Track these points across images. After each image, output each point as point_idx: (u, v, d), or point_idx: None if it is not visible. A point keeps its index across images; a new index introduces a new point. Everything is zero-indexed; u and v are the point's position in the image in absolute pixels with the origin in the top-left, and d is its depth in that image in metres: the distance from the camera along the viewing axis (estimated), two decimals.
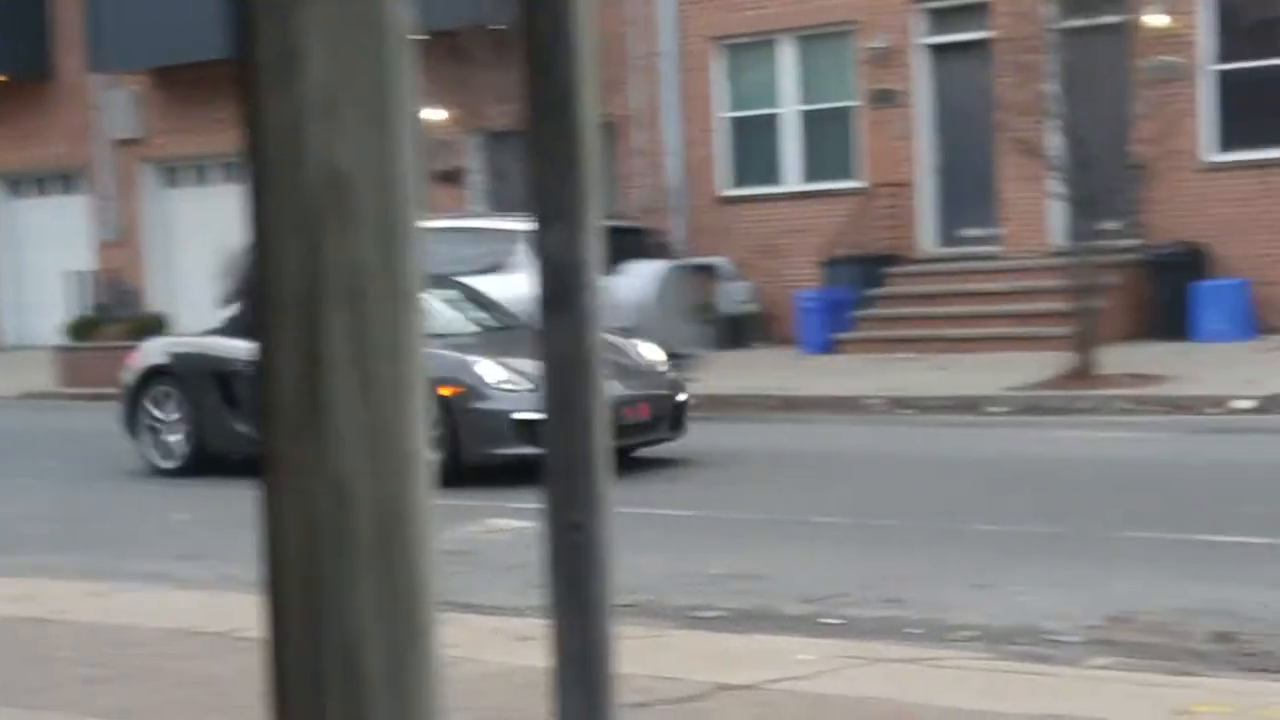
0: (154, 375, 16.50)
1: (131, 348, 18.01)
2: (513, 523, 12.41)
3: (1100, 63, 21.22)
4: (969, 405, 19.24)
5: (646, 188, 26.65)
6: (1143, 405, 18.32)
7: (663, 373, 16.22)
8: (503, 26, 20.80)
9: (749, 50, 26.11)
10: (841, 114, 25.30)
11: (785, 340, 24.94)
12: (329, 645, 1.73)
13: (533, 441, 13.57)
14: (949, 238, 24.67)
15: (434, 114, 24.69)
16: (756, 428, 18.79)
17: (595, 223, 2.49)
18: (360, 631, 1.74)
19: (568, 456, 2.53)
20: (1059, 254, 22.22)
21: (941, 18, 24.58)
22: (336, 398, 1.75)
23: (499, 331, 16.44)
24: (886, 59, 24.60)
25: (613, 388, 13.75)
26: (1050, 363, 19.81)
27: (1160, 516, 11.53)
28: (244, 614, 8.42)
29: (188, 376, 16.22)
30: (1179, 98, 22.06)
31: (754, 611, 9.80)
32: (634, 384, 15.34)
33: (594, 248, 2.50)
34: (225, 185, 32.35)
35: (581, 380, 2.54)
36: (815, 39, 25.56)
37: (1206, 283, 21.38)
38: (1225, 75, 22.06)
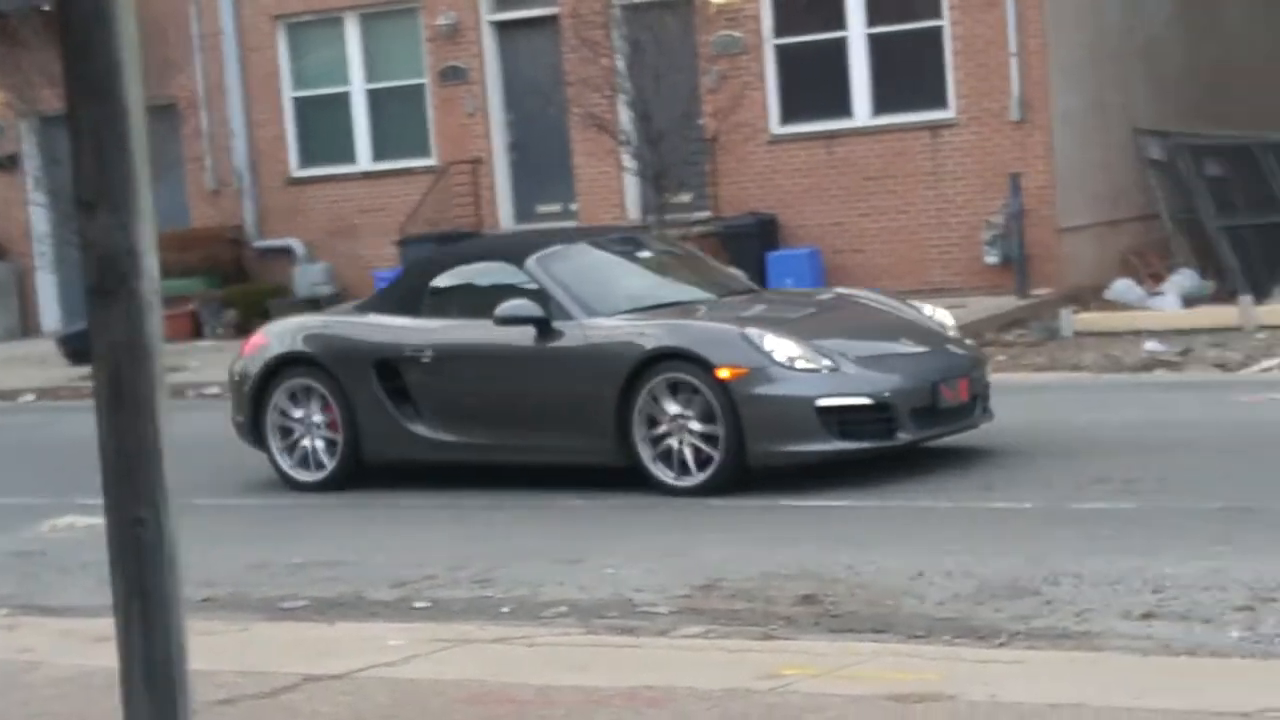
0: (286, 365, 12.95)
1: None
2: (85, 519, 11.92)
3: (666, 38, 21.51)
4: None
5: (212, 170, 26.05)
6: None
7: (963, 339, 13.20)
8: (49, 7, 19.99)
9: (313, 28, 25.74)
10: (411, 92, 25.13)
11: None
12: None
13: (842, 435, 11.45)
14: (526, 214, 24.72)
15: None
16: None
17: (147, 208, 2.37)
18: None
19: (126, 449, 2.35)
20: (633, 227, 22.47)
21: None
22: None
23: (739, 296, 13.19)
24: (454, 36, 24.50)
25: (924, 360, 12.19)
26: None
27: (743, 482, 11.68)
28: None
29: (337, 366, 12.72)
30: (744, 72, 22.49)
31: (341, 599, 9.61)
32: (940, 355, 12.30)
33: (147, 234, 2.38)
34: None
35: (138, 369, 2.37)
36: (380, 16, 25.34)
37: (778, 252, 21.86)
38: (785, 49, 22.58)
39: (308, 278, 25.34)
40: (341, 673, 7.58)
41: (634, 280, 13.13)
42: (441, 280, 13.10)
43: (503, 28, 24.65)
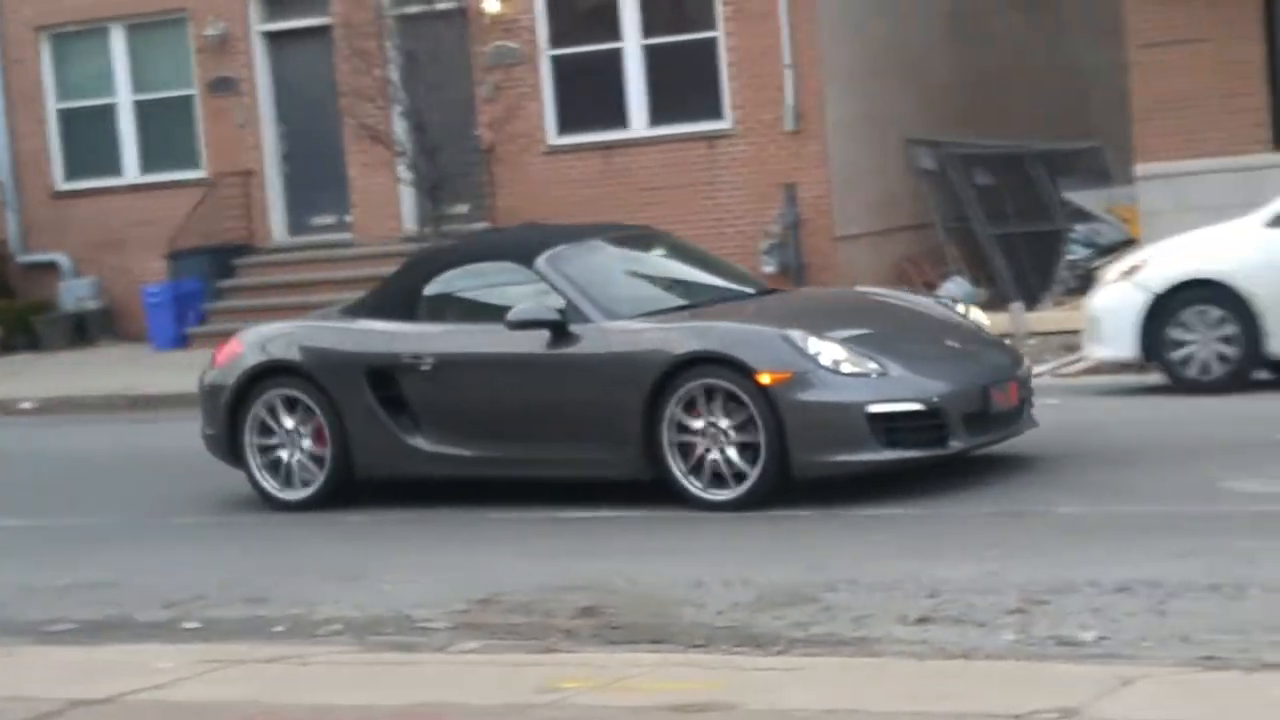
0: (267, 375, 12.01)
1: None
2: None
3: (441, 48, 21.38)
4: None
5: None
6: None
7: (1001, 340, 12.47)
8: None
9: (78, 39, 25.21)
10: (180, 103, 24.69)
11: (135, 337, 24.19)
12: None
13: (890, 443, 10.71)
14: (300, 226, 24.41)
15: None
16: (105, 429, 18.10)
17: None
18: None
19: None
20: (409, 240, 22.32)
21: (278, 5, 24.27)
22: None
23: (761, 297, 12.40)
24: (223, 46, 24.12)
25: (971, 362, 11.39)
26: None
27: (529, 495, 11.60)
28: None
29: (325, 375, 11.79)
30: (520, 82, 22.42)
31: (109, 621, 9.36)
32: (987, 357, 11.59)
33: None
34: None
35: None
36: (147, 26, 24.87)
37: None
38: (561, 60, 22.54)
39: (74, 292, 24.84)
40: (108, 696, 7.37)
41: (650, 280, 12.38)
42: (439, 282, 12.13)
43: (274, 38, 24.34)
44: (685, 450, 10.79)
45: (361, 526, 11.58)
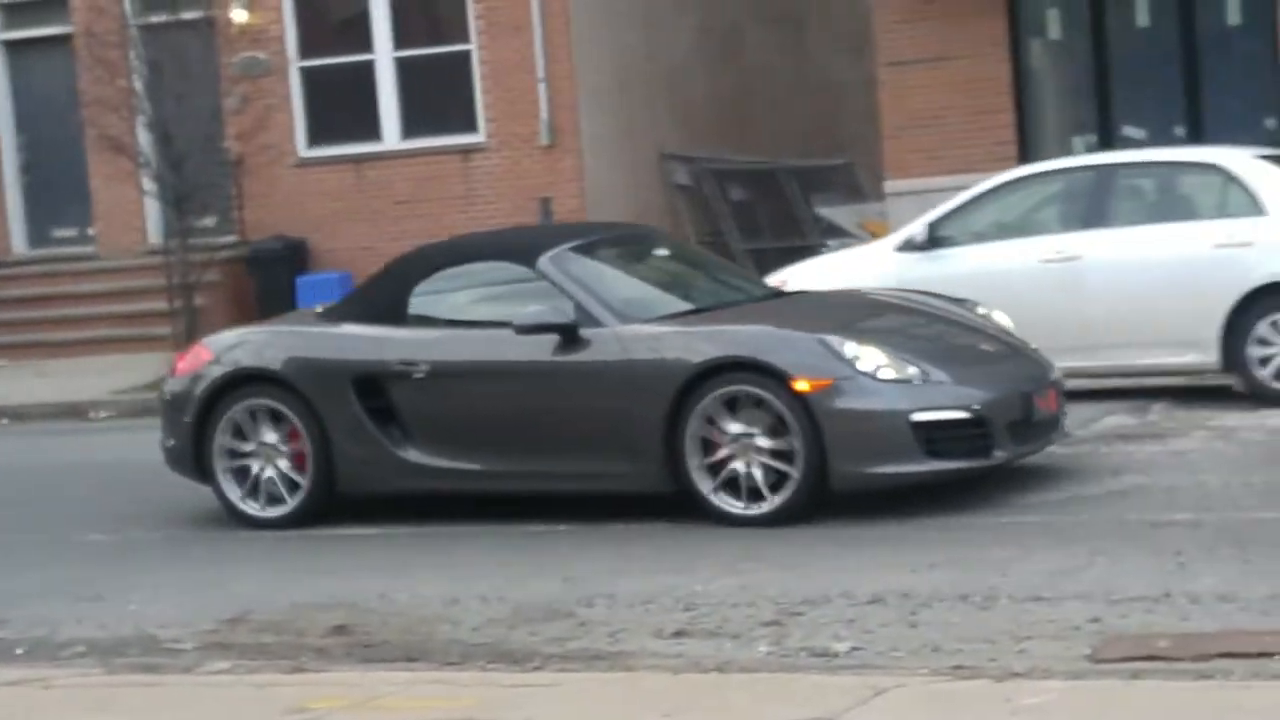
0: (239, 384, 11.20)
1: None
2: None
3: (187, 58, 21.00)
4: (74, 411, 18.61)
5: None
6: None
7: (1029, 345, 11.49)
8: None
9: None
10: None
11: None
12: None
13: (937, 454, 10.09)
14: (40, 239, 23.84)
15: None
16: None
17: None
18: None
19: None
20: (155, 252, 21.92)
21: (16, 13, 23.73)
22: None
23: (776, 300, 11.77)
24: None
25: (1009, 367, 10.81)
26: (156, 363, 19.40)
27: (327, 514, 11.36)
28: None
29: (305, 384, 11.00)
30: (270, 94, 22.12)
31: None
32: (1022, 361, 11.04)
33: None
34: None
35: None
36: None
37: (308, 276, 21.53)
38: (312, 71, 22.28)
39: None
40: None
41: (658, 282, 11.71)
42: (429, 284, 11.34)
43: (13, 46, 23.78)
44: (713, 462, 10.17)
45: (107, 545, 11.29)
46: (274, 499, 11.14)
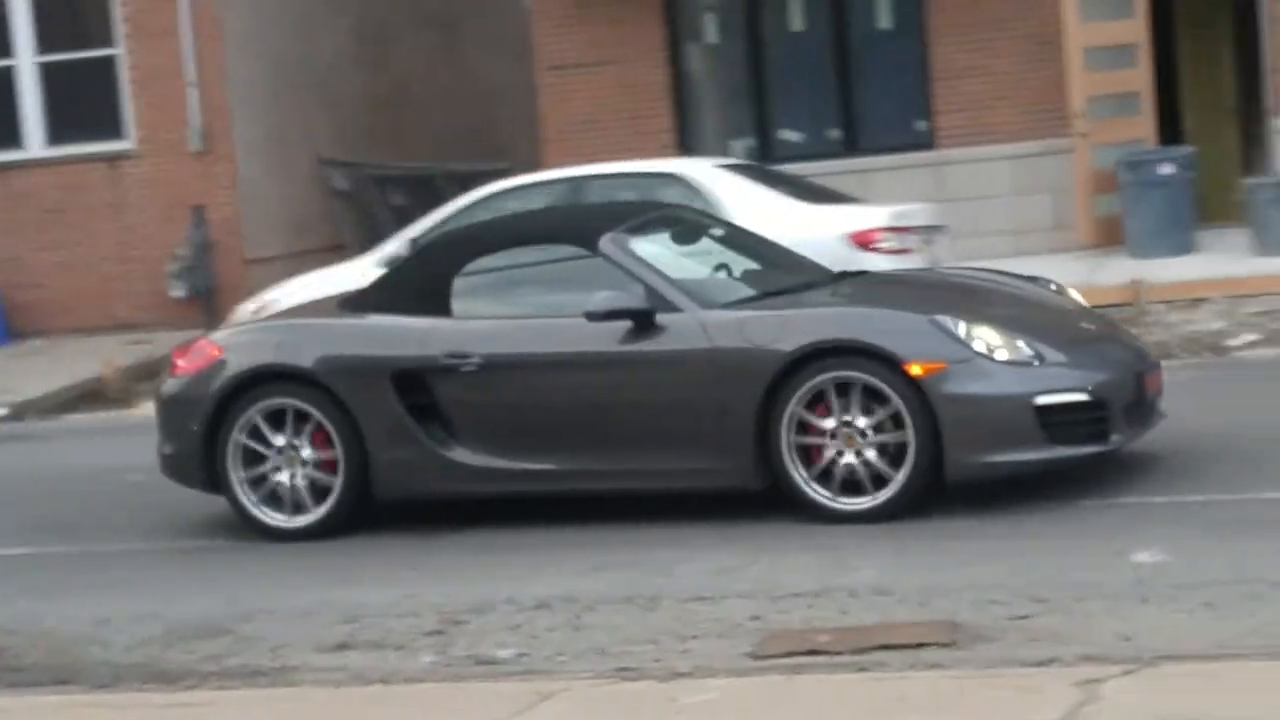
0: (257, 382, 10.18)
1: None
2: None
3: None
4: None
5: None
6: None
7: (1119, 324, 10.92)
8: None
9: None
10: None
11: None
12: None
13: (1060, 439, 9.36)
14: None
15: None
16: None
17: None
18: None
19: None
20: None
21: None
22: None
23: (852, 280, 10.81)
24: None
25: (1115, 347, 10.05)
26: None
27: None
28: None
29: (338, 381, 10.01)
30: None
31: None
32: (1123, 341, 10.37)
33: None
34: None
35: None
36: None
37: None
38: None
39: None
40: None
41: (723, 265, 10.72)
42: (473, 270, 10.41)
43: None
44: (807, 454, 9.42)
45: None
46: (305, 507, 10.18)
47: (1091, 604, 7.67)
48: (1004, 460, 9.30)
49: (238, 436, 10.13)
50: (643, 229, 10.47)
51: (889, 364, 9.27)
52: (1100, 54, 18.30)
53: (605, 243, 10.06)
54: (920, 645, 7.22)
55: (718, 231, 11.21)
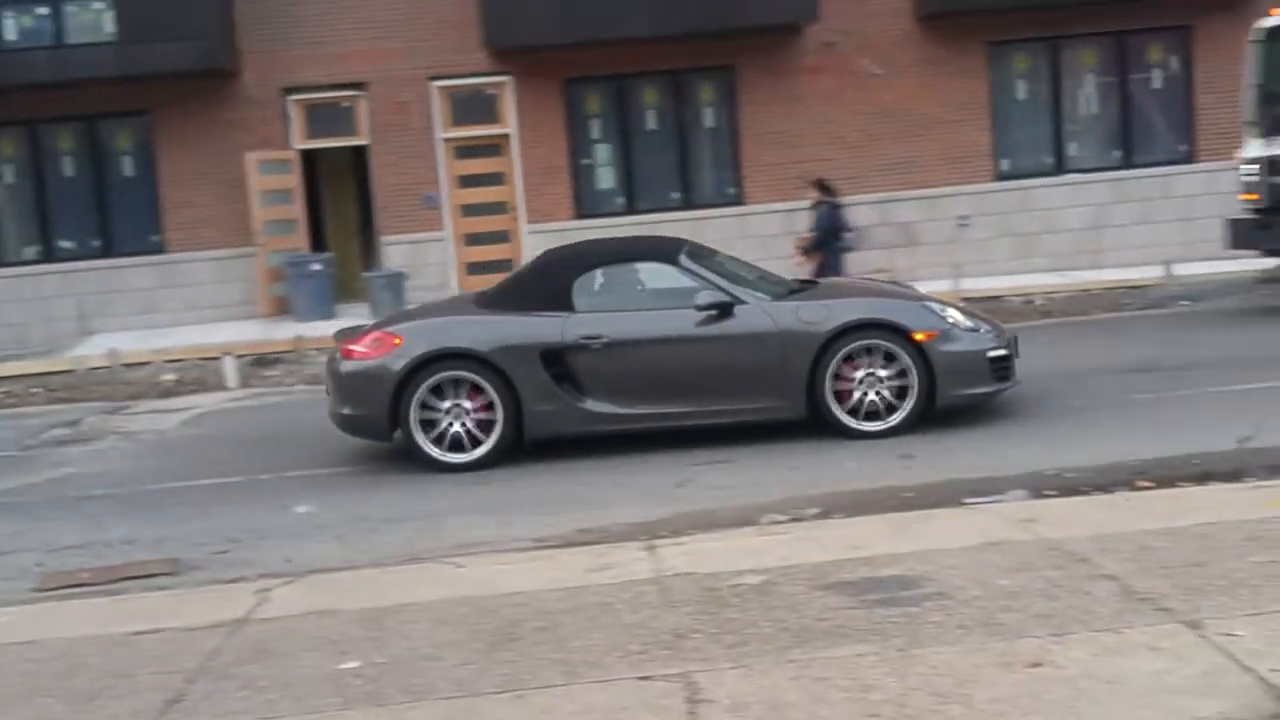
0: (434, 361, 13.34)
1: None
2: None
3: None
4: None
5: None
6: None
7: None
8: None
9: None
10: None
11: None
12: None
13: (999, 378, 13.62)
14: None
15: None
16: None
17: None
18: None
19: None
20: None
21: None
22: None
23: (815, 284, 14.99)
24: None
25: (992, 321, 14.22)
26: None
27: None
28: None
29: (501, 358, 13.33)
30: None
31: None
32: (989, 320, 14.43)
33: None
34: None
35: None
36: None
37: None
38: None
39: None
40: None
41: (744, 274, 14.35)
42: (588, 278, 13.75)
43: None
44: (839, 394, 13.32)
45: None
46: (465, 447, 13.32)
47: (268, 541, 10.91)
48: (971, 393, 13.56)
49: (417, 400, 13.33)
50: (694, 252, 14.20)
51: (902, 334, 13.44)
52: (270, 195, 25.84)
53: (683, 258, 13.88)
54: (152, 575, 10.06)
55: (720, 256, 14.73)
